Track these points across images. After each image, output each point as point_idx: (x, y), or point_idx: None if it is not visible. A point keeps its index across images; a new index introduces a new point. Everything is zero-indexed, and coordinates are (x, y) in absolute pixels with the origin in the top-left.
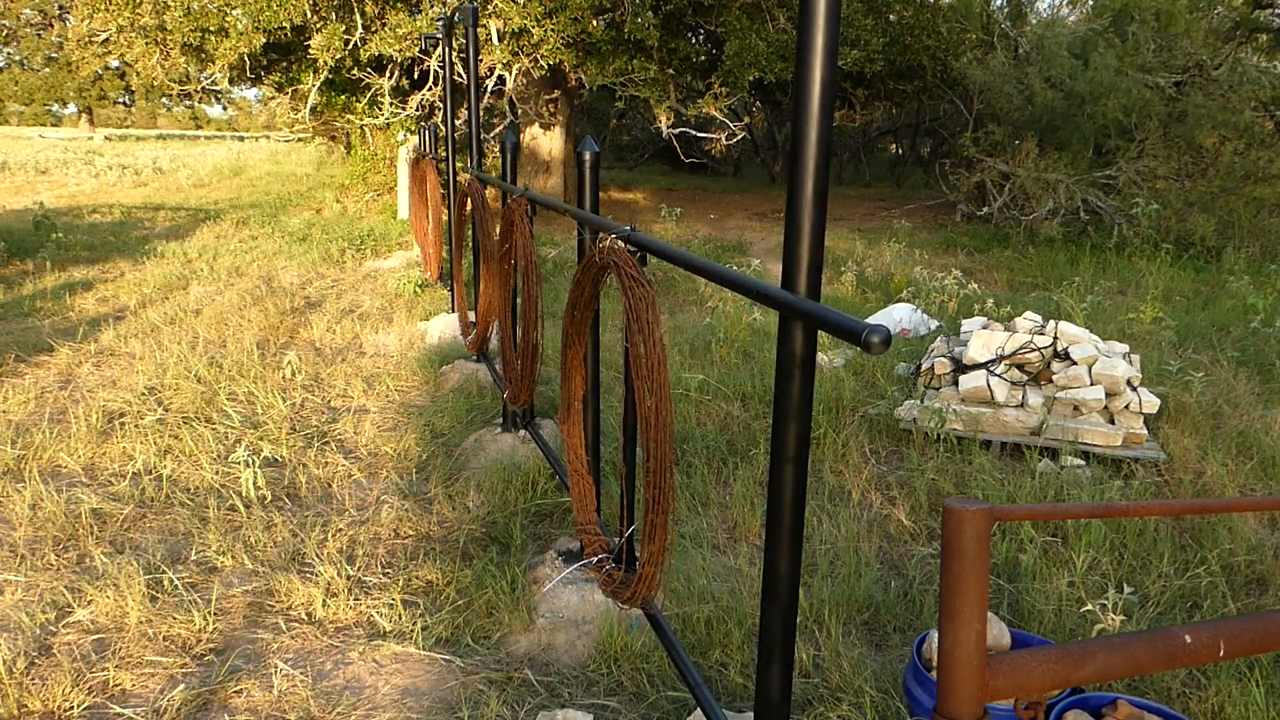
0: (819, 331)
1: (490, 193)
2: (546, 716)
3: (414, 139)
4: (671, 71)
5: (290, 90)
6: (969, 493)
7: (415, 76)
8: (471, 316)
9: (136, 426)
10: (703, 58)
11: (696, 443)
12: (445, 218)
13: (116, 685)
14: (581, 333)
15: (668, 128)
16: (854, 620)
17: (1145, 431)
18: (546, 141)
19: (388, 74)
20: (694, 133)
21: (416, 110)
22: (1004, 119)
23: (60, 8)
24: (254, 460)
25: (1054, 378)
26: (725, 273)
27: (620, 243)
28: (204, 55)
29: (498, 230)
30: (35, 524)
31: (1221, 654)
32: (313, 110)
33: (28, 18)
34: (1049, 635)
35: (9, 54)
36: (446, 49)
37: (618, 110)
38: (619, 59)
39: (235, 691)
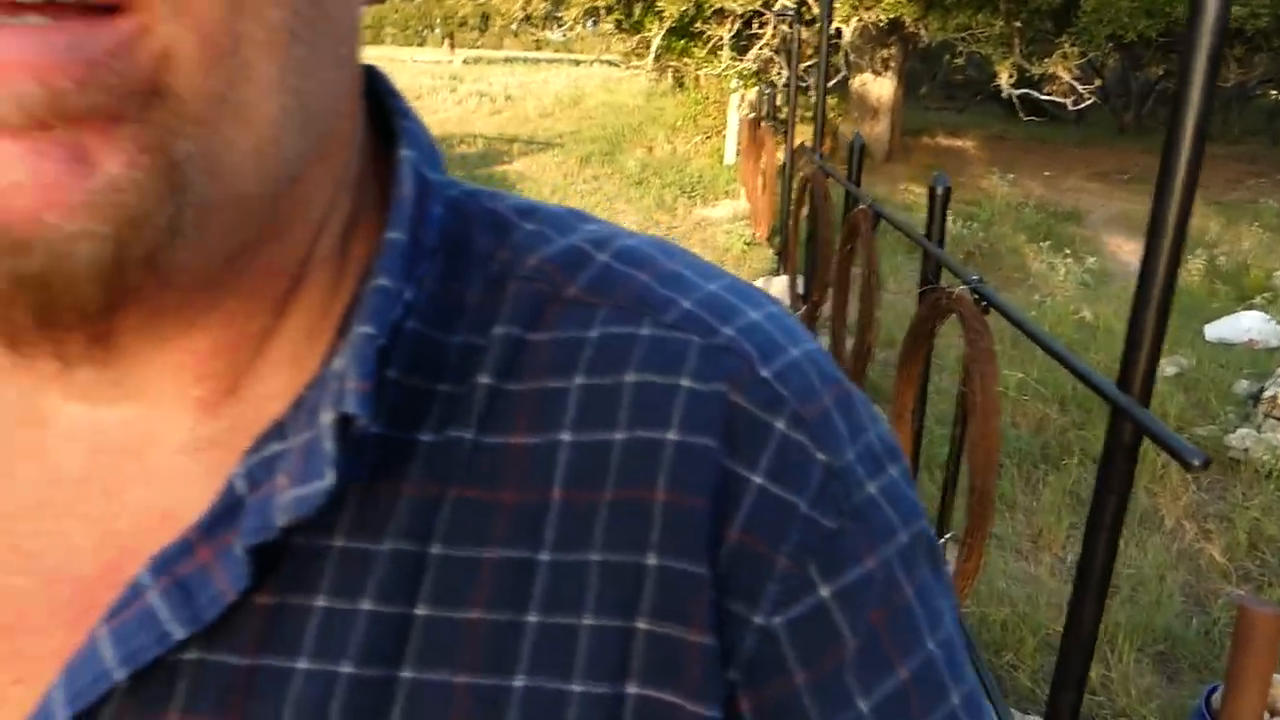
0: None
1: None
2: None
3: (747, 90)
4: (1018, 24)
5: (633, 35)
6: None
7: (754, 28)
8: (799, 286)
9: None
10: (1053, 9)
11: (1009, 444)
12: (778, 185)
13: None
14: (915, 358)
15: (1009, 86)
16: (1148, 649)
17: None
18: (876, 87)
19: (728, 26)
20: (1036, 94)
21: (753, 63)
22: None
23: None
24: None
25: None
26: (1067, 358)
27: (967, 294)
28: (561, 1)
29: (837, 226)
30: None
31: None
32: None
33: None
34: None
35: None
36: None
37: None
38: (963, 13)
39: None
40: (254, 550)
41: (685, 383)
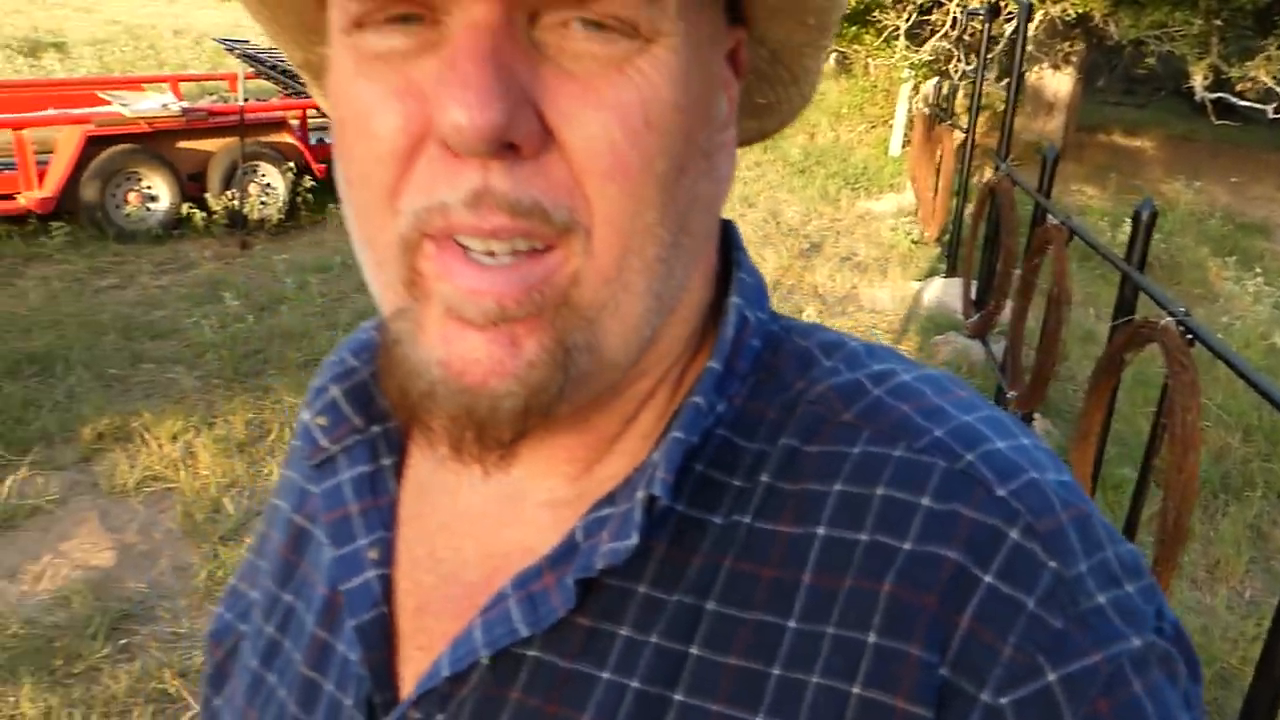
0: None
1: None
2: None
3: (920, 82)
4: (1219, 23)
5: None
6: None
7: (931, 17)
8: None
9: None
10: (1258, 9)
11: None
12: (953, 184)
13: None
14: (1107, 383)
15: (1203, 89)
16: None
17: None
18: (1054, 81)
19: (905, 14)
20: (1232, 98)
21: (930, 55)
22: None
23: None
24: None
25: None
26: (1273, 394)
27: (1173, 326)
28: None
29: (1025, 241)
30: None
31: None
32: None
33: None
34: None
35: None
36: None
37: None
38: (1158, 10)
39: None
40: (579, 583)
41: (925, 501)
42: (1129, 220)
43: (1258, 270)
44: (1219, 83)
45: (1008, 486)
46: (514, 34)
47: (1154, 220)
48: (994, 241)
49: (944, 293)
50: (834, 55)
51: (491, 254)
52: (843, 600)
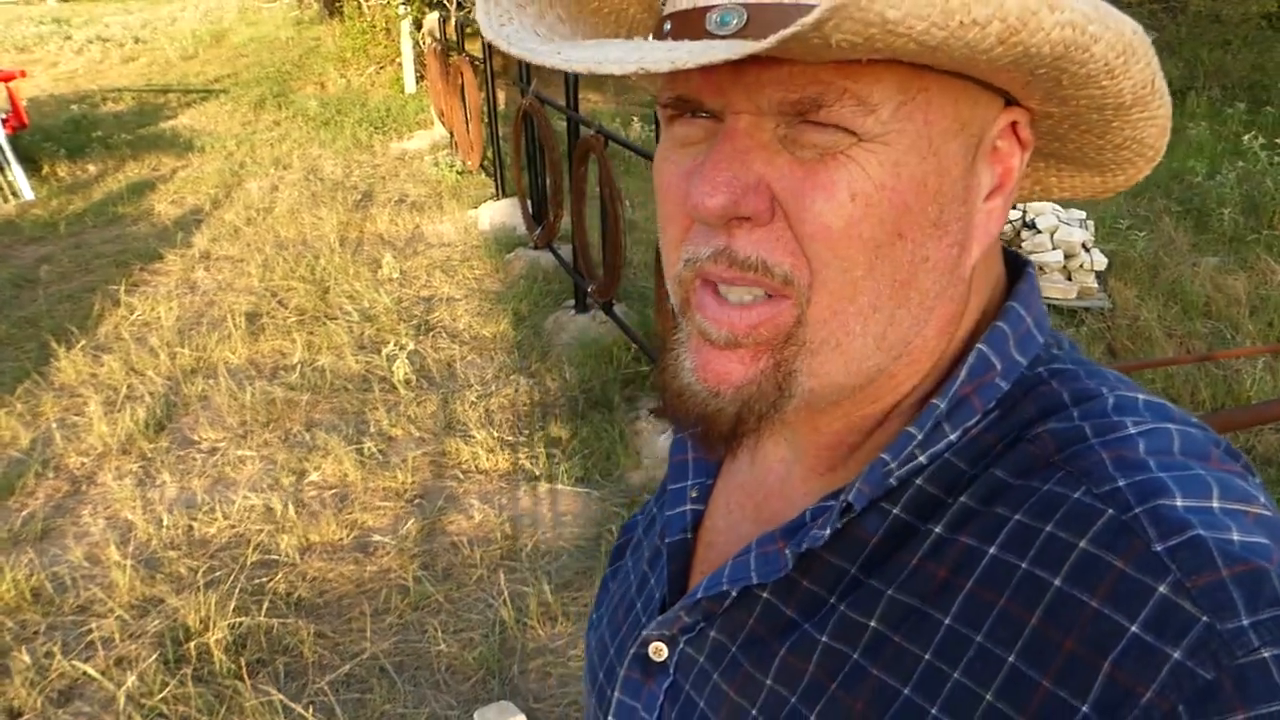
0: None
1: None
2: None
3: (419, 16)
4: None
5: None
6: None
7: None
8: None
9: (274, 325)
10: None
11: None
12: (482, 112)
13: (362, 523)
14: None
15: None
16: None
17: (1096, 285)
18: None
19: None
20: None
21: None
22: None
23: None
24: (401, 350)
25: (1023, 244)
26: None
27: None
28: None
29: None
30: (239, 411)
31: None
32: None
33: None
34: None
35: None
36: None
37: None
38: None
39: (449, 522)
40: (799, 553)
41: (1083, 544)
42: (636, 119)
43: None
44: None
45: (1166, 543)
46: (761, 133)
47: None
48: (536, 159)
49: (501, 214)
50: None
51: (735, 295)
52: (994, 616)
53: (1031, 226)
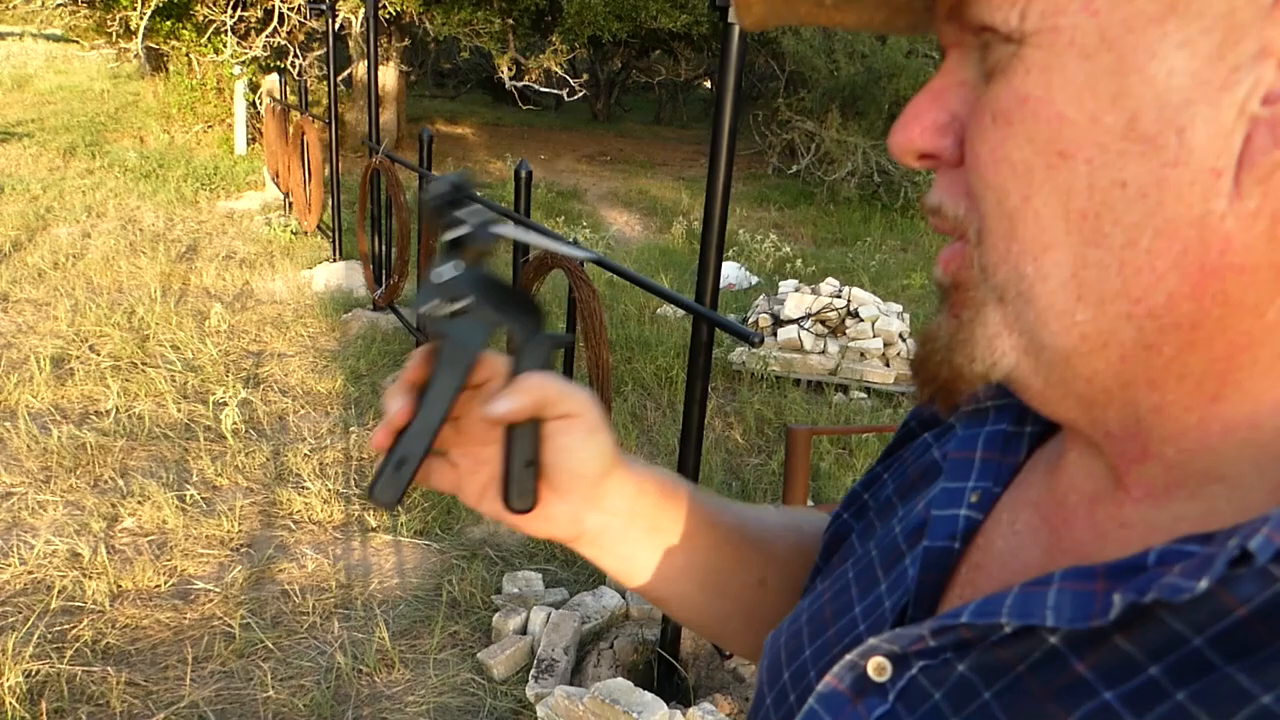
0: (715, 329)
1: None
2: (510, 577)
3: (254, 78)
4: (511, 23)
5: (103, 11)
6: (787, 419)
7: (249, 14)
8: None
9: (85, 371)
10: (544, 14)
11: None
12: (323, 174)
13: (183, 570)
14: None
15: (509, 79)
16: None
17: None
18: (381, 77)
19: (228, 10)
20: (537, 88)
21: (264, 51)
22: (813, 85)
23: None
24: (230, 399)
25: (847, 331)
26: (665, 292)
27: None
28: None
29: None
30: (41, 455)
31: None
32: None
33: None
34: None
35: None
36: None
37: (438, 38)
38: (464, 9)
39: (278, 570)
40: (1127, 605)
41: None
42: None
43: (584, 224)
44: (520, 73)
45: None
46: (962, 69)
47: (530, 178)
48: (381, 219)
49: (337, 276)
50: (145, 52)
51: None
52: None
53: (855, 315)
